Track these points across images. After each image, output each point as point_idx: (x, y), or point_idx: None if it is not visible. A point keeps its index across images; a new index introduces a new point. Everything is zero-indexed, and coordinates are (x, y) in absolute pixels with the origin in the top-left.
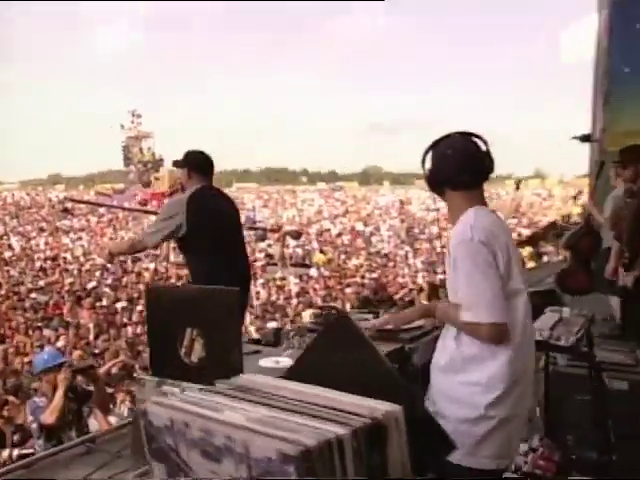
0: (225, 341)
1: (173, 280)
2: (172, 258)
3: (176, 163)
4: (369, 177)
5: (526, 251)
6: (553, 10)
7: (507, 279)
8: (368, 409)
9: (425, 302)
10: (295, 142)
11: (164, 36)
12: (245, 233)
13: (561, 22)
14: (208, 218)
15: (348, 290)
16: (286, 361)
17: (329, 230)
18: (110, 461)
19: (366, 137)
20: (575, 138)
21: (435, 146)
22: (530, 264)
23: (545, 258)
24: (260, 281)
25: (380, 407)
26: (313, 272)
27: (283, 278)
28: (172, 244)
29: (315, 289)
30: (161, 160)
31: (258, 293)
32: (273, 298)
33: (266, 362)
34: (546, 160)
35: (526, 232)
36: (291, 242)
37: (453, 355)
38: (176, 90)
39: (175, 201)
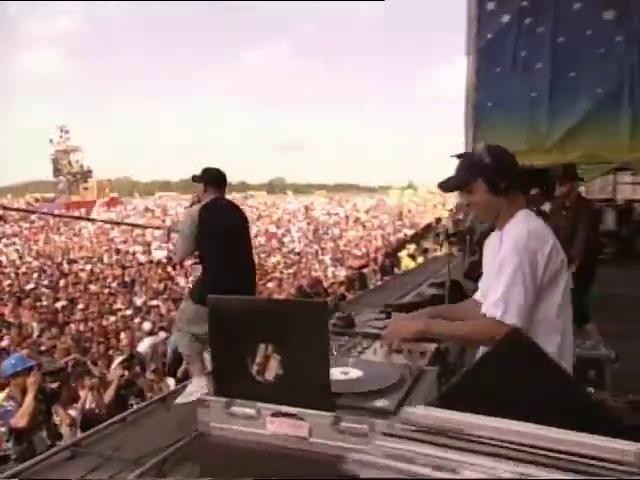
0: (311, 358)
1: (109, 280)
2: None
3: (195, 178)
4: (274, 187)
5: (412, 248)
6: (427, 55)
7: (545, 280)
8: (620, 452)
9: (347, 293)
10: (210, 156)
11: (98, 57)
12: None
13: (436, 63)
14: (217, 226)
15: (270, 285)
16: (354, 372)
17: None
18: (101, 464)
19: (272, 153)
20: (453, 156)
21: (480, 156)
22: (420, 259)
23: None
24: (191, 278)
25: (630, 448)
26: None
27: None
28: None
29: None
30: (89, 172)
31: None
32: None
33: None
34: (417, 174)
35: (410, 232)
36: None
37: None
38: (105, 107)
39: (187, 214)
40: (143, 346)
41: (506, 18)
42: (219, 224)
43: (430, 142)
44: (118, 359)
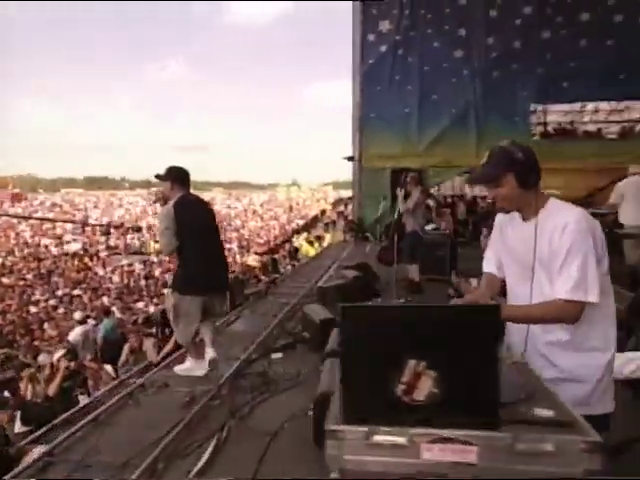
0: (477, 371)
1: (24, 272)
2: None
3: (159, 177)
4: None
5: (303, 236)
6: (316, 70)
7: (599, 263)
8: None
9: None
10: (114, 156)
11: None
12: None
13: (326, 79)
14: (193, 221)
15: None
16: None
17: (155, 225)
18: (76, 470)
19: (172, 154)
20: (345, 158)
21: (511, 152)
22: (316, 244)
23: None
24: (109, 268)
25: None
26: (154, 258)
27: (130, 264)
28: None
29: (162, 272)
30: None
31: (110, 278)
32: (127, 281)
33: None
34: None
35: (301, 222)
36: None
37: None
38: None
39: (164, 211)
40: (74, 335)
41: (384, 48)
42: (194, 219)
43: (314, 146)
44: (60, 351)
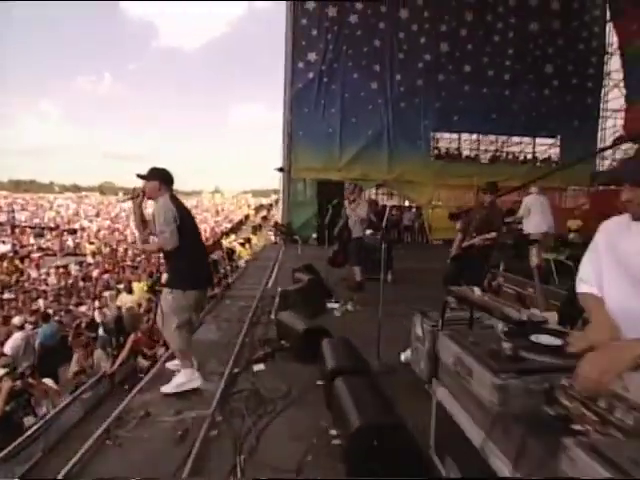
0: None
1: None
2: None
3: (145, 177)
4: (105, 190)
5: (232, 238)
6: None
7: None
8: None
9: None
10: (41, 161)
11: None
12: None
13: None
14: (188, 219)
15: (127, 274)
16: None
17: (90, 227)
18: None
19: (103, 160)
20: (276, 169)
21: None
22: (247, 246)
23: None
24: (43, 270)
25: None
26: (89, 259)
27: (65, 266)
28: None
29: (100, 273)
30: None
31: (45, 280)
32: (64, 283)
33: None
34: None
35: (228, 225)
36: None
37: None
38: None
39: (165, 206)
40: (13, 343)
41: (311, 75)
42: (189, 215)
43: (233, 158)
44: (0, 370)
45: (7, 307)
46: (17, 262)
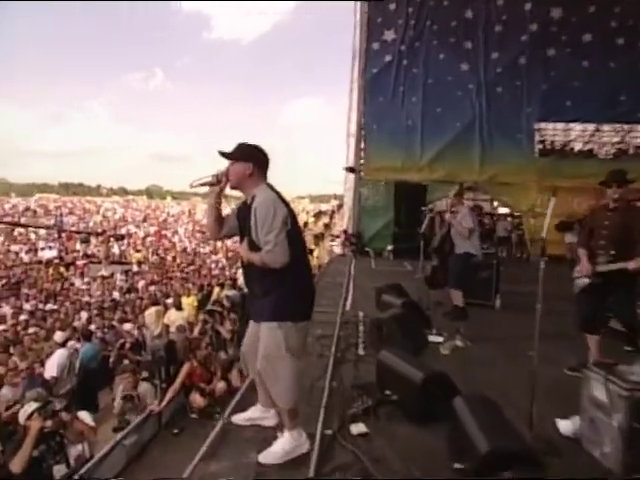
0: None
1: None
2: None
3: (231, 155)
4: (152, 193)
5: None
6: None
7: None
8: None
9: None
10: (88, 162)
11: None
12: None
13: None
14: (296, 221)
15: (172, 284)
16: None
17: (136, 233)
18: None
19: (148, 163)
20: (345, 169)
21: None
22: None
23: None
24: (86, 279)
25: None
26: (136, 268)
27: (110, 275)
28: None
29: (146, 284)
30: None
31: (88, 290)
32: (116, 295)
33: None
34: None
35: None
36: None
37: None
38: None
39: (273, 204)
40: (58, 361)
41: (388, 58)
42: (295, 218)
43: (286, 160)
44: (31, 405)
45: (50, 320)
46: (62, 269)
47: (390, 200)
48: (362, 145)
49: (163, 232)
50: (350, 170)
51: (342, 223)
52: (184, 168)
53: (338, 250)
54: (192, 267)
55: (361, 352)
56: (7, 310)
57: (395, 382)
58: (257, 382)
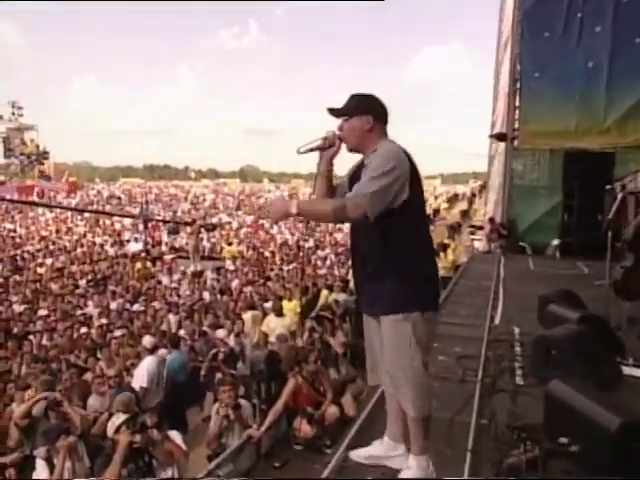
0: None
1: (77, 277)
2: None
3: (343, 111)
4: (247, 175)
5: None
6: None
7: None
8: None
9: None
10: (175, 142)
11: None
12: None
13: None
14: (414, 187)
15: (271, 284)
16: None
17: (230, 223)
18: None
19: (242, 140)
20: (492, 137)
21: None
22: (442, 255)
23: None
24: (176, 276)
25: None
26: (229, 266)
27: (200, 272)
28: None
29: (241, 284)
30: (46, 152)
31: (177, 289)
32: (206, 296)
33: None
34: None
35: None
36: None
37: None
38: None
39: (392, 152)
40: (148, 369)
41: None
42: (421, 184)
43: (416, 128)
44: (120, 417)
45: (137, 323)
46: (148, 264)
47: (557, 177)
48: (516, 102)
49: (260, 222)
50: (499, 137)
51: (486, 210)
52: (285, 145)
53: (481, 246)
54: (294, 265)
55: (519, 381)
56: (92, 309)
57: (576, 427)
58: (388, 396)
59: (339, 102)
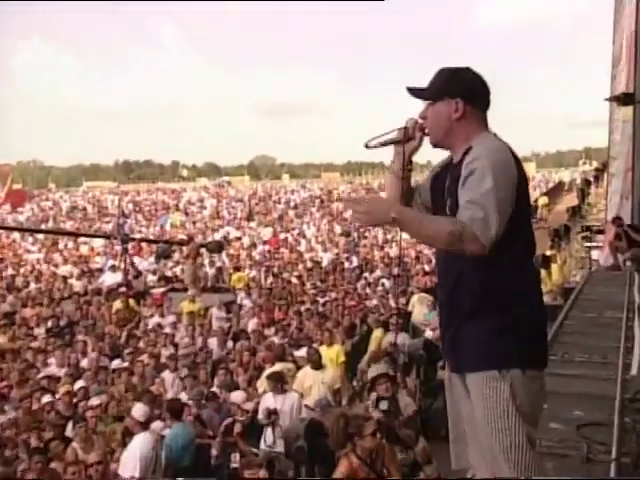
0: None
1: (32, 325)
2: None
3: (426, 92)
4: (259, 170)
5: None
6: None
7: None
8: None
9: None
10: (158, 128)
11: None
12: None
13: None
14: (528, 196)
15: (306, 321)
16: None
17: (240, 239)
18: None
19: (252, 122)
20: (612, 100)
21: None
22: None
23: None
24: (170, 318)
25: None
26: (242, 299)
27: (203, 311)
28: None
29: (259, 325)
30: None
31: (172, 336)
32: (210, 343)
33: None
34: None
35: None
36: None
37: None
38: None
39: (501, 156)
40: (135, 456)
41: None
42: (528, 196)
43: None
44: None
45: (118, 383)
46: (131, 302)
47: None
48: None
49: (282, 235)
50: (621, 100)
51: (607, 205)
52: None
53: (602, 258)
54: (333, 294)
55: None
56: (56, 369)
57: None
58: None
59: (377, 69)
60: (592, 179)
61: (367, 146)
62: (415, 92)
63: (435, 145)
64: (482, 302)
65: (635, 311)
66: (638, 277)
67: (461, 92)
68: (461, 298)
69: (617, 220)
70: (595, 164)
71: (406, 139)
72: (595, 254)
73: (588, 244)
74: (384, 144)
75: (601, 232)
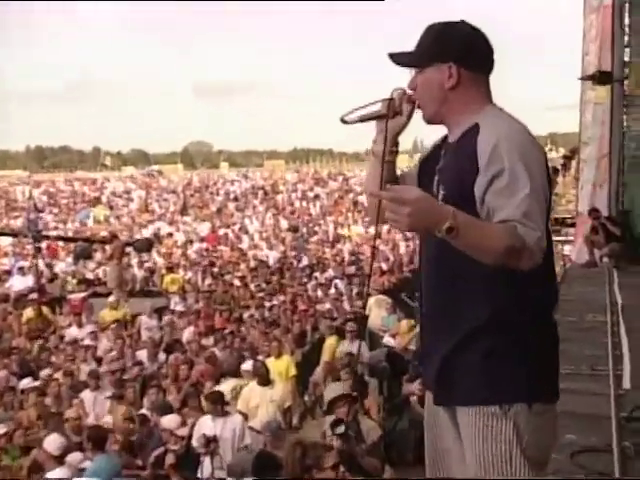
0: None
1: None
2: None
3: (416, 56)
4: (193, 157)
5: None
6: None
7: None
8: None
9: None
10: (77, 109)
11: None
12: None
13: None
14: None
15: (244, 331)
16: None
17: (172, 235)
18: None
19: (186, 103)
20: (586, 79)
21: None
22: None
23: None
24: (90, 327)
25: None
26: (176, 305)
27: (129, 320)
28: None
29: (196, 333)
30: None
31: (93, 348)
32: (139, 356)
33: None
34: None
35: None
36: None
37: None
38: None
39: (524, 137)
40: None
41: None
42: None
43: None
44: None
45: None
46: (45, 310)
47: None
48: (626, 23)
49: (221, 231)
50: (597, 79)
51: (578, 195)
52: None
53: (575, 254)
54: (281, 297)
55: None
56: None
57: None
58: None
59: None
60: (560, 167)
61: (344, 121)
62: (398, 59)
63: (429, 121)
64: (487, 320)
65: (619, 314)
66: (617, 274)
67: (454, 54)
68: (457, 312)
69: (594, 212)
70: (562, 151)
71: (392, 114)
72: (567, 249)
73: (557, 238)
74: (365, 119)
75: (573, 225)
